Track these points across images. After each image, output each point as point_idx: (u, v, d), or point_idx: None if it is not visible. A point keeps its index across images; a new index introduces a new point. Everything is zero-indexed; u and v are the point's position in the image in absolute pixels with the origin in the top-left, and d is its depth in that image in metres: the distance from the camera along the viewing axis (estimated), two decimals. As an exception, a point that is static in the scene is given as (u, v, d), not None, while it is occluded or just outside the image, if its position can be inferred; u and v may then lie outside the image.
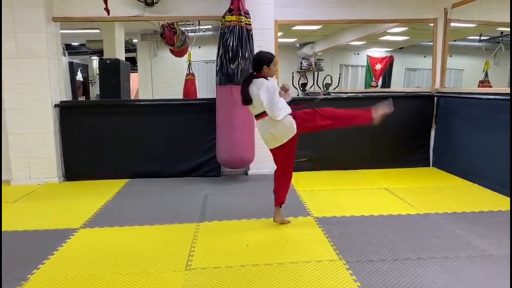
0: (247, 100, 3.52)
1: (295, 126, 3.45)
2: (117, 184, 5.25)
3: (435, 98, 5.93)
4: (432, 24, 5.96)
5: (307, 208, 4.18)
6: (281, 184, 3.71)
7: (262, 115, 3.51)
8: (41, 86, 5.25)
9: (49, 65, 5.26)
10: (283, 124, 3.43)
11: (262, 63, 3.51)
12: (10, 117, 5.27)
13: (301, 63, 12.08)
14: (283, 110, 3.44)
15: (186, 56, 8.04)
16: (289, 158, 3.65)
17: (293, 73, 11.20)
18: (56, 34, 5.45)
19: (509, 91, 4.84)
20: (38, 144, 5.33)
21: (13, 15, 5.10)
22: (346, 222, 3.73)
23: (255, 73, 3.56)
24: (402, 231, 3.50)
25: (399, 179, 5.29)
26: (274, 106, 3.39)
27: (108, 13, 5.06)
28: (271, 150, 3.64)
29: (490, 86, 9.29)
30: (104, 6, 5.00)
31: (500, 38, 10.12)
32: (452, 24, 5.87)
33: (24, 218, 4.05)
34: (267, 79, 3.53)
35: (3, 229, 3.72)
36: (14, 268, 2.93)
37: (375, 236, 3.39)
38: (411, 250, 3.11)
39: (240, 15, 5.08)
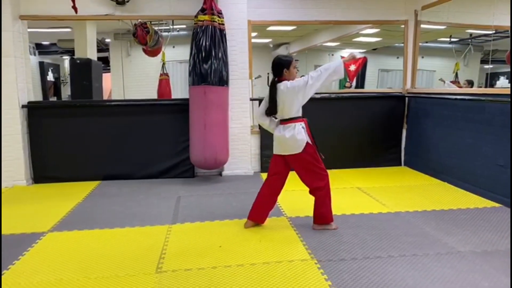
0: (273, 109, 3.45)
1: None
2: (87, 186, 5.14)
3: (406, 98, 6.05)
4: (403, 26, 6.07)
5: (280, 208, 4.18)
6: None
7: (289, 120, 3.45)
8: (8, 86, 5.09)
9: (16, 64, 5.10)
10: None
11: (283, 67, 3.43)
12: (-26, 118, 5.09)
13: (276, 63, 12.08)
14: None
15: (160, 56, 7.95)
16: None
17: (268, 73, 11.20)
18: (23, 32, 5.29)
19: (473, 92, 4.98)
20: (5, 146, 5.16)
21: (-23, 12, 4.93)
22: (318, 222, 3.74)
23: (276, 78, 3.48)
24: (373, 229, 3.54)
25: (371, 178, 5.36)
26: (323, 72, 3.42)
27: (76, 11, 4.95)
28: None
29: (460, 87, 9.53)
30: (71, 4, 4.88)
31: (470, 40, 10.39)
32: (423, 26, 5.99)
33: (-11, 223, 3.91)
34: None
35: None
36: (-24, 274, 2.82)
37: (346, 235, 3.42)
38: (382, 249, 3.15)
39: (213, 14, 5.06)
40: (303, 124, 3.46)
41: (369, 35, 9.55)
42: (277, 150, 3.56)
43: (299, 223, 3.73)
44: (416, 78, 6.08)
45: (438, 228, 3.57)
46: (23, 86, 5.28)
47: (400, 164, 6.09)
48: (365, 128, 5.99)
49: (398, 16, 5.99)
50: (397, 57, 13.04)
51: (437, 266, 2.84)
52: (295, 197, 4.58)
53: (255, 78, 6.43)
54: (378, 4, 5.91)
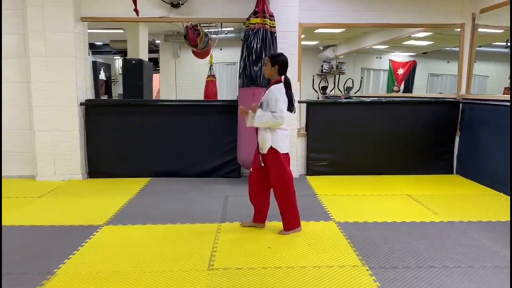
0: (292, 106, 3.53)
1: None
2: (139, 183, 5.32)
3: (461, 104, 5.84)
4: (459, 30, 5.87)
5: (328, 212, 4.15)
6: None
7: None
8: (68, 85, 5.36)
9: (76, 64, 5.36)
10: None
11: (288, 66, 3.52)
12: (37, 115, 5.38)
13: (322, 66, 12.00)
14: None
15: (207, 58, 8.10)
16: None
17: (313, 76, 11.15)
18: (83, 33, 5.56)
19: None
20: (63, 141, 5.43)
21: (42, 14, 5.21)
22: (368, 228, 3.69)
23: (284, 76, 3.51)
24: (426, 238, 3.45)
25: (422, 185, 5.22)
26: None
27: (137, 14, 5.13)
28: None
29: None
30: (134, 7, 5.07)
31: (528, 44, 9.90)
32: (480, 29, 5.77)
33: (49, 214, 4.13)
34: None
35: (29, 223, 3.82)
36: (40, 262, 2.99)
37: (398, 243, 3.35)
38: (435, 258, 3.06)
39: (265, 17, 5.10)
40: None
41: (420, 38, 9.29)
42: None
43: (348, 228, 3.69)
44: (471, 84, 5.86)
45: (495, 240, 3.43)
46: (82, 85, 5.54)
47: (452, 172, 5.89)
48: (416, 134, 5.84)
49: (454, 20, 5.80)
50: (448, 62, 12.63)
51: (496, 280, 2.74)
52: (343, 202, 4.55)
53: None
54: (434, 7, 5.75)
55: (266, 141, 3.42)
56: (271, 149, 3.43)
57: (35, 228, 3.70)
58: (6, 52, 5.43)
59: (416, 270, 2.87)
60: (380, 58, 12.30)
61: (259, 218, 3.70)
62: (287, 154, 3.52)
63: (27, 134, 5.54)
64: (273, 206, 4.37)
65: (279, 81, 3.45)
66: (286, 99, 3.40)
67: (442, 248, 3.26)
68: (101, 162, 5.67)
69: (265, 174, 3.53)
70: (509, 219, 3.94)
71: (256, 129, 3.52)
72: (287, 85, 3.45)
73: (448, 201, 4.57)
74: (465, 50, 5.86)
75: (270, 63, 3.46)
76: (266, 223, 3.79)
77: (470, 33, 5.77)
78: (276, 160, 3.44)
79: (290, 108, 3.47)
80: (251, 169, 3.65)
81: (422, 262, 3.00)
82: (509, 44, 10.04)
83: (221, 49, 10.31)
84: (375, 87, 12.46)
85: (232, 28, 9.32)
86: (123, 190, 4.95)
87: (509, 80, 10.07)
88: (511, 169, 4.60)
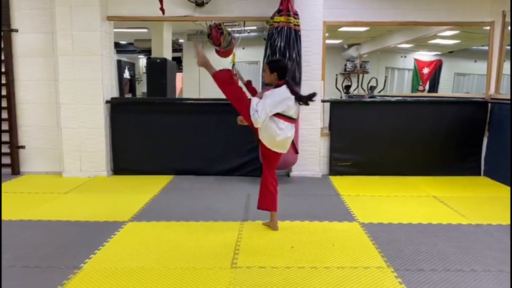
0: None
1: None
2: (162, 180, 5.37)
3: (489, 104, 5.69)
4: (487, 28, 5.72)
5: (352, 213, 4.10)
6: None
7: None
8: (94, 83, 5.45)
9: (102, 63, 5.45)
10: None
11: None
12: (64, 112, 5.50)
13: (345, 65, 11.89)
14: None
15: (230, 57, 8.10)
16: None
17: (336, 75, 11.05)
18: (109, 32, 5.64)
19: None
20: (89, 139, 5.53)
21: (70, 14, 5.32)
22: (393, 229, 3.63)
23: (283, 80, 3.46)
24: (453, 241, 3.37)
25: (448, 187, 5.11)
26: None
27: (164, 13, 5.16)
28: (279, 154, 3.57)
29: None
30: (160, 6, 5.11)
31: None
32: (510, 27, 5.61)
33: (76, 209, 4.21)
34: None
35: (56, 218, 3.90)
36: (67, 256, 3.05)
37: (424, 245, 3.28)
38: (463, 262, 2.99)
39: (289, 15, 5.08)
40: None
41: (446, 37, 9.10)
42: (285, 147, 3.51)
43: (373, 229, 3.64)
44: (500, 83, 5.70)
45: (526, 244, 3.32)
46: (108, 83, 5.63)
47: (479, 174, 5.74)
48: (442, 134, 5.72)
49: (483, 18, 5.65)
50: (475, 61, 12.35)
51: (527, 285, 2.65)
52: (366, 202, 4.50)
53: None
54: (461, 5, 5.61)
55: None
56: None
57: (61, 223, 3.77)
58: (35, 51, 5.57)
59: (444, 273, 2.81)
60: (405, 57, 12.11)
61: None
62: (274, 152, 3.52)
63: (54, 131, 5.67)
64: (293, 205, 4.37)
65: (280, 85, 3.40)
66: (280, 103, 3.30)
67: (470, 251, 3.18)
68: (125, 159, 5.75)
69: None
70: (541, 223, 3.82)
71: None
72: (290, 86, 3.39)
73: (476, 203, 4.46)
74: (494, 49, 5.69)
75: (269, 69, 3.42)
76: (288, 222, 3.78)
77: (500, 31, 5.61)
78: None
79: (303, 102, 3.37)
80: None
81: (449, 265, 2.93)
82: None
83: (243, 48, 10.33)
84: (399, 87, 12.28)
85: (255, 27, 9.32)
86: (147, 187, 5.01)
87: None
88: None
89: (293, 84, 3.52)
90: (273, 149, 3.47)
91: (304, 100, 3.37)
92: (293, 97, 3.35)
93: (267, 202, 3.65)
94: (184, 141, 5.72)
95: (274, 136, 3.36)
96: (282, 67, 3.44)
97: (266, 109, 3.28)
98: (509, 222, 3.83)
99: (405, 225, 3.75)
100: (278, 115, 3.32)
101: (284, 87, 3.38)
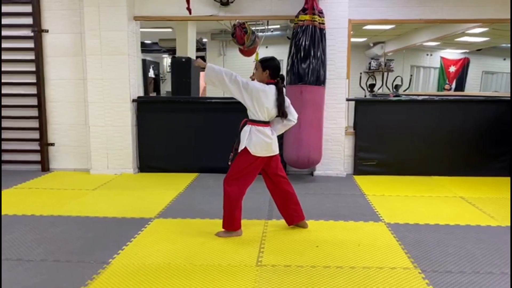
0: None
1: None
2: (187, 178, 5.44)
3: (519, 103, 5.54)
4: (519, 24, 5.56)
5: (377, 213, 4.07)
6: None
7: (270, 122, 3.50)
8: (121, 82, 5.56)
9: (129, 62, 5.55)
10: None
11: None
12: (92, 110, 5.63)
13: (369, 63, 11.77)
14: None
15: (253, 55, 8.13)
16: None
17: (361, 73, 10.96)
18: (136, 32, 5.74)
19: None
20: (116, 137, 5.65)
21: (98, 14, 5.44)
22: (420, 230, 3.58)
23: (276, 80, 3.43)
24: (482, 243, 3.31)
25: (476, 188, 5.01)
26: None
27: (190, 13, 5.22)
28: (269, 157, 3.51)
29: None
30: (186, 6, 5.17)
31: None
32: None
33: (103, 206, 4.31)
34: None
35: (85, 214, 3.99)
36: (96, 252, 3.12)
37: (452, 246, 3.23)
38: (493, 264, 2.93)
39: (314, 14, 5.06)
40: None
41: (475, 34, 8.89)
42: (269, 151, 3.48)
43: (399, 230, 3.60)
44: (532, 82, 5.54)
45: (559, 247, 3.23)
46: (134, 82, 5.73)
47: (507, 175, 5.60)
48: (469, 134, 5.60)
49: (514, 14, 5.50)
50: (504, 59, 12.04)
51: (560, 290, 2.58)
52: (392, 202, 4.45)
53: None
54: (492, 1, 5.48)
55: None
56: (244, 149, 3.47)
57: (90, 219, 3.87)
58: (64, 51, 5.72)
59: (472, 275, 2.76)
60: (431, 55, 11.90)
61: (296, 217, 3.65)
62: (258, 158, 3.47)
63: (83, 129, 5.81)
64: (317, 205, 4.36)
65: (270, 83, 3.38)
66: (260, 92, 3.32)
67: (500, 253, 3.11)
68: (151, 157, 5.85)
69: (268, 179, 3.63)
70: None
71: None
72: (279, 90, 3.36)
73: (505, 204, 4.35)
74: (526, 46, 5.54)
75: (261, 67, 3.39)
76: (312, 221, 3.77)
77: (532, 28, 5.46)
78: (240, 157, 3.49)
79: (280, 113, 3.37)
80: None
81: (478, 267, 2.88)
82: None
83: (266, 47, 10.32)
84: (425, 85, 12.08)
85: (278, 26, 9.31)
86: (173, 185, 5.08)
87: None
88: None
89: (283, 87, 3.47)
90: (262, 154, 3.43)
91: (281, 109, 3.36)
92: (274, 98, 3.34)
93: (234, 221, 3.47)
94: (208, 139, 5.77)
95: (264, 138, 3.44)
96: (275, 66, 3.41)
97: (242, 80, 3.34)
98: (540, 225, 3.73)
99: (432, 226, 3.69)
100: (252, 122, 3.53)
101: (272, 86, 3.37)
